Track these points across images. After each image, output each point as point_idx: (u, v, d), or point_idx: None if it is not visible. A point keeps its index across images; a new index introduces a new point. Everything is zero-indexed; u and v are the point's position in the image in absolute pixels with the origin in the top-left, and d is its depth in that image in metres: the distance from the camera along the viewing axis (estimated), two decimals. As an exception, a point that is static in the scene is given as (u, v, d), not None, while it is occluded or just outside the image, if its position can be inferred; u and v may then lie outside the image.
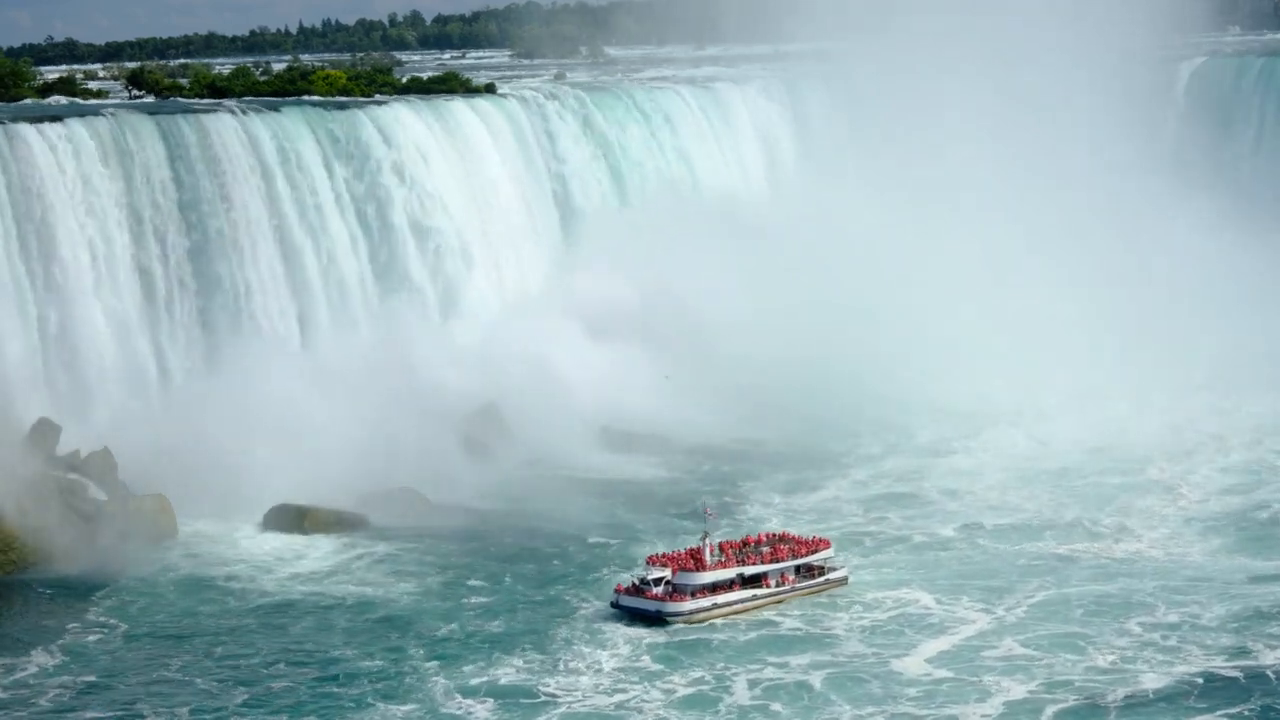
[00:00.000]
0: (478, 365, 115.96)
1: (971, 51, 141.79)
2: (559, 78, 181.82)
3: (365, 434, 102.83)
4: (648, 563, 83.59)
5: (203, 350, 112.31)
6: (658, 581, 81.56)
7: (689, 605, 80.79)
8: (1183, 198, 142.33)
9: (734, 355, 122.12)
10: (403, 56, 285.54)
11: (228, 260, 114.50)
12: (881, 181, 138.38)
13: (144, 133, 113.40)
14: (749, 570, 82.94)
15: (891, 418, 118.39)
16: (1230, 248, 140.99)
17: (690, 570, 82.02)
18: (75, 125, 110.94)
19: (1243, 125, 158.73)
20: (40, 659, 79.59)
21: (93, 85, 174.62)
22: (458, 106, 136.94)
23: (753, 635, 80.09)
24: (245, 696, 74.44)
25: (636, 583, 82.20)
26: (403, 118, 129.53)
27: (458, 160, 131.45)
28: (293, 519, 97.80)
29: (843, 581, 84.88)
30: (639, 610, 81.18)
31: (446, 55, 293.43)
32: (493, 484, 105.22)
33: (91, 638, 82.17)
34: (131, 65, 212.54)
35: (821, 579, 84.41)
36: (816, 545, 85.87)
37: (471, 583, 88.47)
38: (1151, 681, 73.65)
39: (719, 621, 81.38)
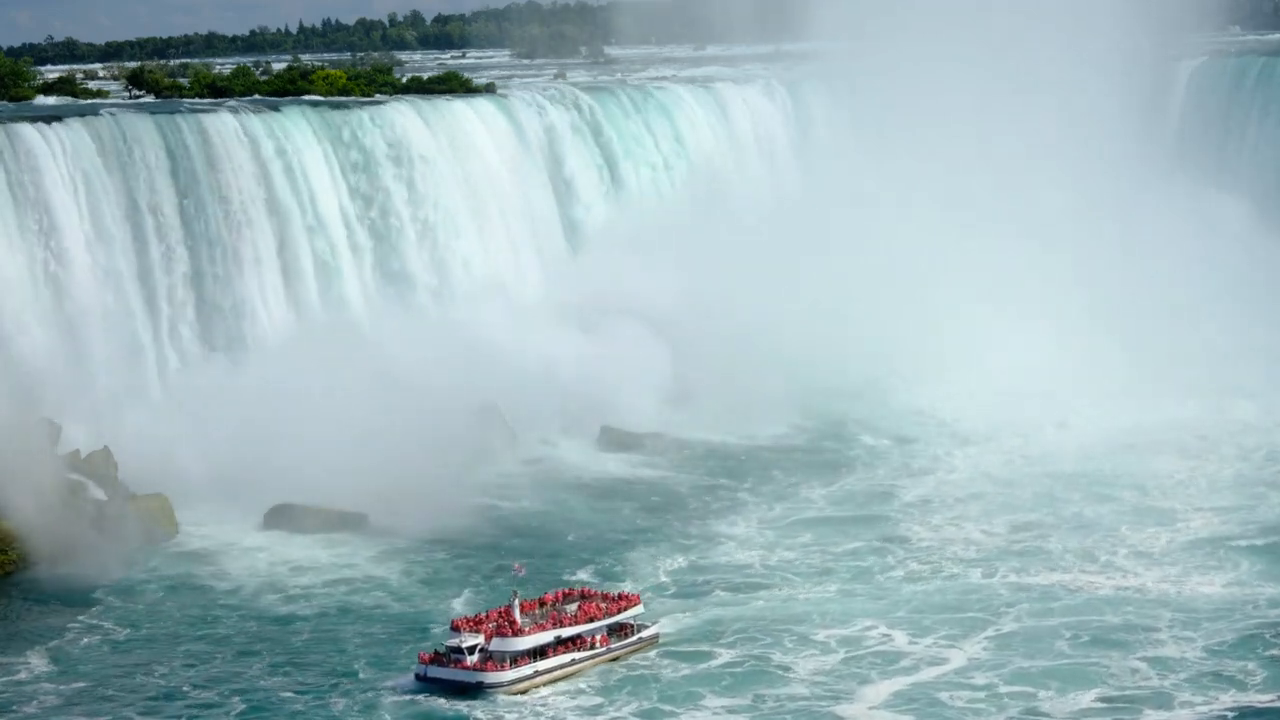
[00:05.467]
0: (478, 365, 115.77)
1: (972, 51, 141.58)
2: (559, 78, 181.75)
3: (365, 433, 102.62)
4: (453, 628, 76.59)
5: (203, 349, 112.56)
6: (472, 649, 74.94)
7: (510, 674, 74.52)
8: (1183, 197, 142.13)
9: (733, 355, 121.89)
10: (403, 56, 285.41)
11: (227, 260, 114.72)
12: (882, 181, 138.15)
13: (144, 133, 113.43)
14: (566, 632, 76.91)
15: (884, 426, 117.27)
16: (1231, 247, 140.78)
17: (507, 635, 75.58)
18: (75, 125, 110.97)
19: (1242, 125, 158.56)
20: (35, 661, 79.33)
21: (93, 85, 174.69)
22: (458, 106, 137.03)
23: (688, 670, 76.08)
24: (242, 708, 73.74)
25: (446, 650, 75.35)
26: (403, 117, 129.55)
27: (458, 160, 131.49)
28: (293, 519, 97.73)
29: (654, 640, 78.95)
30: (453, 682, 74.26)
31: (446, 55, 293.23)
32: (493, 484, 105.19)
33: (87, 641, 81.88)
34: (131, 65, 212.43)
35: (634, 638, 78.47)
36: (626, 602, 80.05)
37: (467, 587, 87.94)
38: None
39: (651, 654, 77.75)
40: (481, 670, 74.51)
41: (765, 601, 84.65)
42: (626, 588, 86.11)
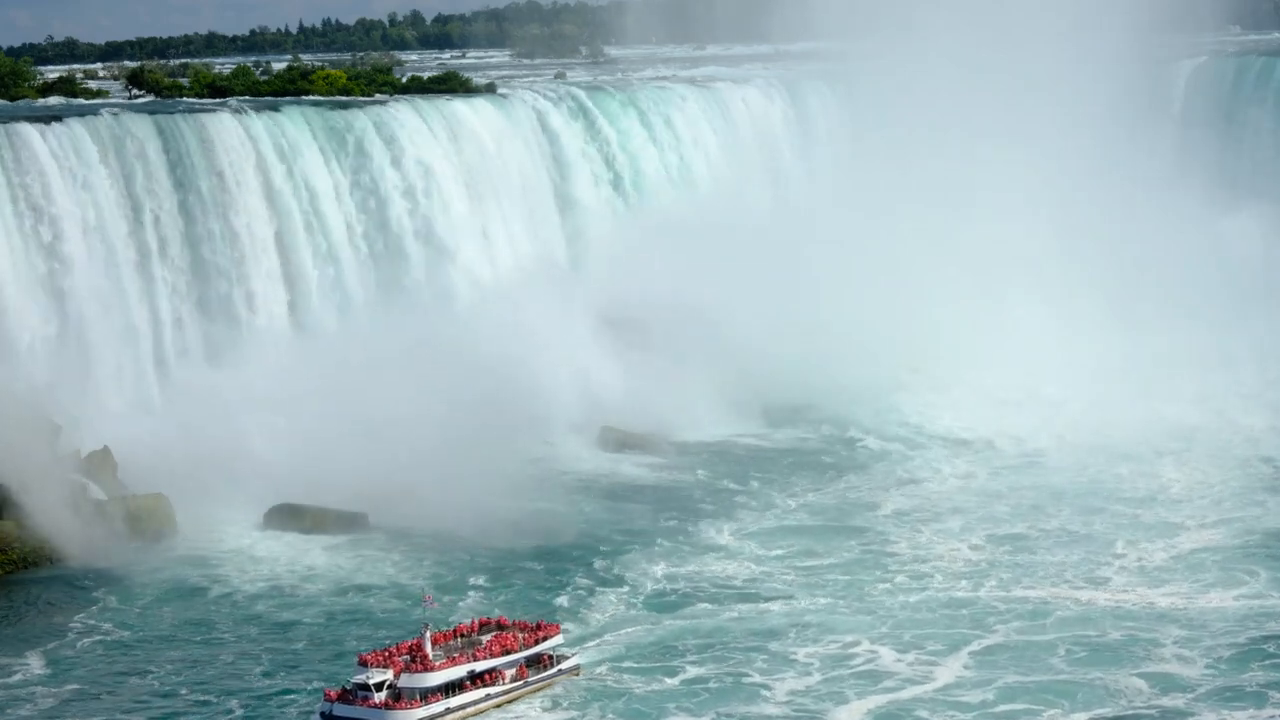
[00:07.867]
0: (476, 364, 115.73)
1: (972, 51, 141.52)
2: (559, 78, 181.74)
3: (365, 432, 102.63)
4: (360, 663, 72.33)
5: (203, 349, 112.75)
6: (380, 686, 70.78)
7: (419, 712, 70.48)
8: (1183, 197, 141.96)
9: (734, 356, 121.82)
10: (403, 56, 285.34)
11: (227, 259, 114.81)
12: (882, 181, 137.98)
13: (144, 132, 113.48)
14: (480, 666, 72.90)
15: (881, 432, 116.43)
16: (1232, 248, 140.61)
17: (417, 671, 71.61)
18: (75, 125, 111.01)
19: (1242, 125, 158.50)
20: (31, 663, 79.15)
21: (93, 85, 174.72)
22: (458, 106, 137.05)
23: (657, 686, 74.01)
24: (239, 711, 73.44)
25: (352, 687, 71.04)
26: (403, 117, 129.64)
27: (457, 160, 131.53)
28: (292, 518, 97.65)
29: (574, 671, 75.28)
30: None
31: (446, 55, 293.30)
32: (493, 484, 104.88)
33: (84, 642, 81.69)
34: (131, 65, 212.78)
35: (554, 670, 74.84)
36: (544, 631, 76.01)
37: (466, 589, 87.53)
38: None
39: (627, 673, 75.54)
40: (390, 709, 70.48)
41: (743, 613, 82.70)
42: (621, 592, 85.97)
